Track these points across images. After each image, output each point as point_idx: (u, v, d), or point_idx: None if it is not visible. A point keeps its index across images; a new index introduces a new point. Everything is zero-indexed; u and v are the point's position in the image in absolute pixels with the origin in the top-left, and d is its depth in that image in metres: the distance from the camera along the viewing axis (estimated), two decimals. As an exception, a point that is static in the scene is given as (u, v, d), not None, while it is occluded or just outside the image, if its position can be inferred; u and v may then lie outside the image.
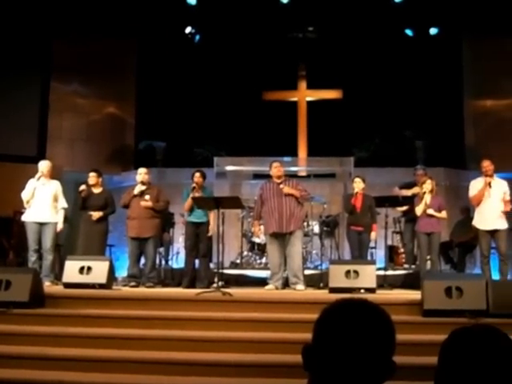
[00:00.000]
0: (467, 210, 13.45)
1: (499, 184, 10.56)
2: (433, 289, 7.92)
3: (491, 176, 10.47)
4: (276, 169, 10.76)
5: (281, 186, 10.57)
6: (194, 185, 10.98)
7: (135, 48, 17.42)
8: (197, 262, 11.18)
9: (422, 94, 16.42)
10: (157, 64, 17.12)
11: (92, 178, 11.47)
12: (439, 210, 10.91)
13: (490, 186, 10.41)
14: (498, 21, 15.80)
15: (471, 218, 12.32)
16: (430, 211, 10.82)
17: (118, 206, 11.39)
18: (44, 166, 11.10)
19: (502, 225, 10.45)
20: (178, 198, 11.94)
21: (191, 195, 10.82)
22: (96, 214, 11.19)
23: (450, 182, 15.02)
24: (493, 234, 10.49)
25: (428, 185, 11.00)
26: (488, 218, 10.45)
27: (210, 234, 11.16)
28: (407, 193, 12.00)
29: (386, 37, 16.18)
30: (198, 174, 11.13)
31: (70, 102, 16.77)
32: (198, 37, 16.73)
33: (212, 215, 10.98)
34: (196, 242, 11.05)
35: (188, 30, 16.43)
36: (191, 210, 10.99)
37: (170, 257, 13.63)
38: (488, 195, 10.44)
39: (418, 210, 10.93)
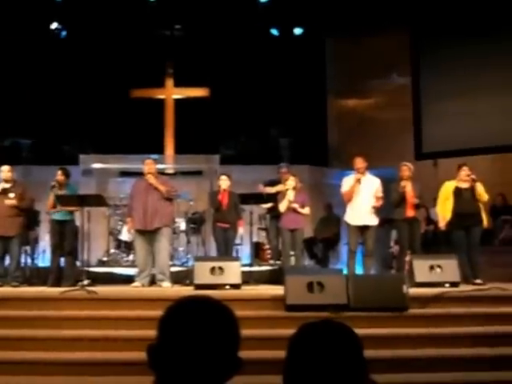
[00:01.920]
0: (330, 207, 13.87)
1: (371, 181, 10.89)
2: (295, 284, 8.13)
3: (362, 173, 10.78)
4: (147, 166, 10.79)
5: (148, 175, 10.61)
6: (54, 183, 10.87)
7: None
8: (63, 260, 11.07)
9: (287, 92, 16.70)
10: (21, 59, 16.68)
11: None
12: (302, 207, 11.19)
13: (360, 183, 10.74)
14: (359, 21, 16.33)
15: (334, 215, 12.73)
16: (295, 205, 11.08)
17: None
18: None
19: (372, 221, 10.80)
20: (43, 195, 11.72)
21: (52, 193, 10.72)
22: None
23: (314, 179, 15.36)
24: (362, 229, 10.82)
25: (291, 182, 11.25)
26: (359, 213, 10.76)
27: None
28: (272, 190, 12.20)
29: (252, 36, 16.37)
30: (59, 172, 11.01)
31: None
32: (64, 33, 16.43)
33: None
34: (61, 240, 10.94)
35: (54, 25, 16.12)
36: (54, 208, 10.88)
37: (35, 255, 13.39)
38: (359, 191, 10.76)
39: (282, 207, 11.18)
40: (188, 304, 1.99)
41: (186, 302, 2.00)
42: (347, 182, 10.95)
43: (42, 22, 15.86)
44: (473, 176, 10.58)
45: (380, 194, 10.74)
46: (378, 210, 10.82)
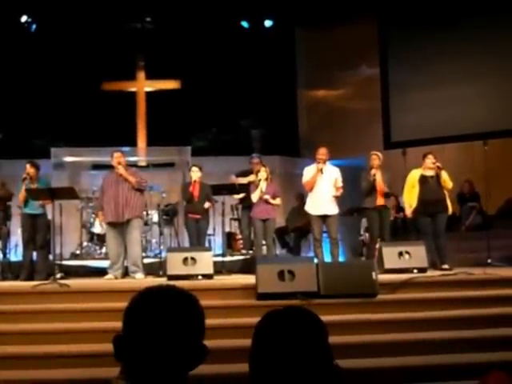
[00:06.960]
0: (301, 197, 13.93)
1: (330, 171, 10.99)
2: (266, 273, 8.19)
3: (324, 163, 10.89)
4: (116, 159, 10.80)
5: (118, 167, 10.65)
6: (25, 175, 10.83)
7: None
8: (35, 254, 11.06)
9: (257, 84, 16.76)
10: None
11: None
12: (274, 197, 11.29)
13: (322, 172, 10.85)
14: (328, 12, 16.44)
15: (305, 204, 12.83)
16: (267, 197, 11.19)
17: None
18: None
19: (333, 210, 10.88)
20: (14, 190, 11.71)
21: (23, 187, 10.71)
22: None
23: (285, 169, 15.49)
24: (324, 218, 10.92)
25: (263, 172, 11.37)
26: (319, 203, 10.86)
27: None
28: (244, 181, 12.30)
29: (223, 28, 16.42)
30: (28, 165, 10.88)
31: None
32: (34, 26, 16.39)
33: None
34: (33, 234, 10.92)
35: (24, 18, 16.08)
36: (26, 202, 10.87)
37: (8, 250, 13.36)
38: (320, 181, 10.86)
39: (254, 197, 11.27)
40: (151, 294, 2.00)
41: (149, 291, 2.01)
42: (308, 172, 11.06)
43: (11, 15, 15.81)
44: (438, 164, 10.73)
45: (340, 184, 10.86)
46: (338, 200, 10.94)
